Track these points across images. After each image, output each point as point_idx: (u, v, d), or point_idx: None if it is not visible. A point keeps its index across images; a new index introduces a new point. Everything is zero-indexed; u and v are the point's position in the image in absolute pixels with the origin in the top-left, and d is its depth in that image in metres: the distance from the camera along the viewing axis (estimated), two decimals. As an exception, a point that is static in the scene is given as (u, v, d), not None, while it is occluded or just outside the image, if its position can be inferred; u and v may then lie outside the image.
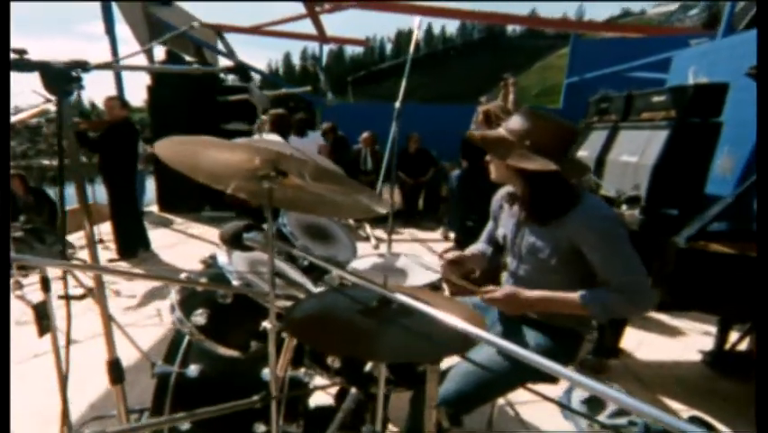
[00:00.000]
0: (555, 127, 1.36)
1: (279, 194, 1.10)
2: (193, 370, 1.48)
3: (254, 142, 0.88)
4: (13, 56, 0.76)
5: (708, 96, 3.10)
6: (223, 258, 1.34)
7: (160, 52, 6.87)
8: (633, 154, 3.50)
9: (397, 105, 2.69)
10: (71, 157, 0.93)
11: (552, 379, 1.65)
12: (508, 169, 1.42)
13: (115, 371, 1.03)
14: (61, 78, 0.81)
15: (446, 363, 1.20)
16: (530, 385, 1.10)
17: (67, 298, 1.17)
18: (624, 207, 2.68)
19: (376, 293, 0.97)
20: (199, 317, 1.26)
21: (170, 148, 0.98)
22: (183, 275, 1.38)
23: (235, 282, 1.27)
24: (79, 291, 3.65)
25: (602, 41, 7.52)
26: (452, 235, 5.50)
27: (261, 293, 1.18)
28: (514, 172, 1.42)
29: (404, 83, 2.71)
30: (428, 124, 6.70)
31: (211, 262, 1.39)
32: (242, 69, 1.14)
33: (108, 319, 0.97)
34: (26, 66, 0.77)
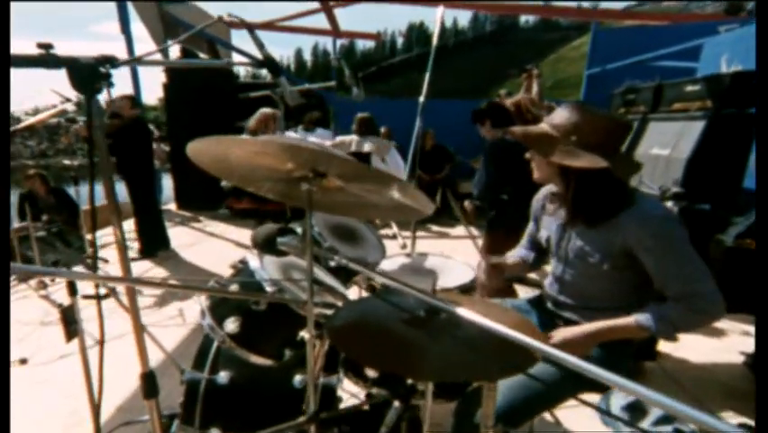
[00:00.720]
0: (605, 122, 1.27)
1: (317, 196, 1.03)
2: (223, 377, 1.43)
3: (291, 141, 0.81)
4: (39, 51, 0.70)
5: (746, 84, 2.94)
6: (254, 262, 1.28)
7: (174, 50, 6.87)
8: (664, 147, 3.35)
9: (422, 99, 2.62)
10: (101, 156, 0.87)
11: (604, 388, 1.57)
12: (552, 166, 1.33)
13: (149, 384, 0.98)
14: (90, 74, 0.75)
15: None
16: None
17: (97, 298, 1.12)
18: (669, 203, 2.56)
19: (419, 300, 0.89)
20: (231, 324, 1.21)
21: (202, 149, 0.91)
22: (212, 282, 1.32)
23: (269, 289, 1.20)
24: (102, 291, 3.74)
25: (624, 29, 7.27)
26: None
27: (299, 301, 1.11)
28: (558, 171, 1.33)
29: (428, 76, 2.63)
30: (441, 120, 6.54)
31: (242, 267, 1.33)
32: (272, 63, 1.07)
33: (140, 330, 0.91)
34: (54, 62, 0.71)
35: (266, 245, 1.12)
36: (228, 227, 6.10)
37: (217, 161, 0.94)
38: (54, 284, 3.92)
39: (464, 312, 0.78)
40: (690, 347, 2.84)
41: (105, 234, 5.51)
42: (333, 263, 1.71)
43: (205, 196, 6.67)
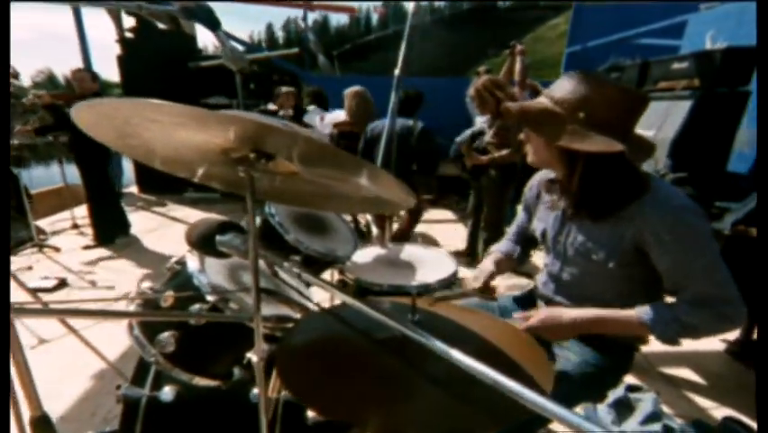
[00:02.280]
0: (618, 95, 1.05)
1: (265, 184, 0.80)
2: (167, 393, 1.20)
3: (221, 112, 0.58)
4: None
5: (738, 61, 2.80)
6: (193, 264, 1.04)
7: (130, 19, 6.31)
8: (649, 128, 3.22)
9: (397, 72, 2.37)
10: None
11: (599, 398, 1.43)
12: (552, 150, 1.13)
13: (44, 430, 0.74)
14: None
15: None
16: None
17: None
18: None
19: (398, 309, 0.69)
20: (166, 341, 0.98)
21: (97, 120, 0.66)
22: (146, 285, 1.08)
23: (210, 298, 0.98)
24: (52, 283, 3.41)
25: (605, 7, 7.09)
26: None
27: (242, 317, 0.89)
28: (561, 155, 1.12)
29: (403, 47, 2.38)
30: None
31: (179, 270, 1.10)
32: (205, 14, 0.81)
33: (25, 366, 0.68)
34: None
35: (202, 244, 0.88)
36: (194, 212, 5.75)
37: (125, 137, 0.70)
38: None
39: (452, 351, 0.58)
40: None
41: (58, 221, 5.11)
42: (298, 258, 1.50)
43: (169, 178, 6.24)
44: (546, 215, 1.33)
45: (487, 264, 1.44)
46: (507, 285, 2.32)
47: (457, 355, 0.57)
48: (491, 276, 1.38)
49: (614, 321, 1.10)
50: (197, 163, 0.82)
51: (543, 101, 1.13)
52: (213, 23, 0.85)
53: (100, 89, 4.29)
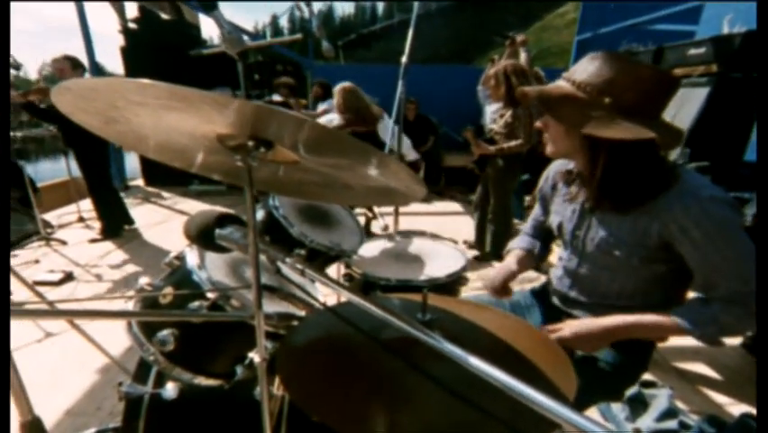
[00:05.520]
0: (648, 75, 0.97)
1: (264, 173, 0.75)
2: (170, 390, 1.17)
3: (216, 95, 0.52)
4: None
5: (758, 46, 2.69)
6: (193, 259, 1.00)
7: (133, 10, 6.23)
8: (664, 116, 3.11)
9: (404, 59, 2.30)
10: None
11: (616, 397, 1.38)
12: (573, 138, 1.05)
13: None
14: None
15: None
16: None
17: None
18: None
19: (405, 307, 0.64)
20: (165, 339, 0.93)
21: (81, 102, 0.61)
22: (143, 281, 1.03)
23: (210, 295, 0.93)
24: (58, 276, 3.39)
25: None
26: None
27: (242, 315, 0.84)
28: (583, 143, 1.04)
29: (410, 33, 2.31)
30: (424, 87, 6.11)
31: (178, 265, 1.05)
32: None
33: (14, 371, 0.64)
34: None
35: (201, 238, 0.83)
36: (199, 204, 5.73)
37: (111, 122, 0.64)
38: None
39: (463, 354, 0.53)
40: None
41: (64, 214, 5.10)
42: (303, 252, 1.45)
43: (174, 171, 6.21)
44: (563, 207, 1.27)
45: (508, 263, 1.38)
46: (517, 278, 2.21)
47: (469, 359, 0.52)
48: (513, 275, 1.33)
49: (649, 326, 1.05)
50: (192, 152, 0.77)
51: (563, 85, 1.06)
52: (209, 4, 0.80)
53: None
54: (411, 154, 4.11)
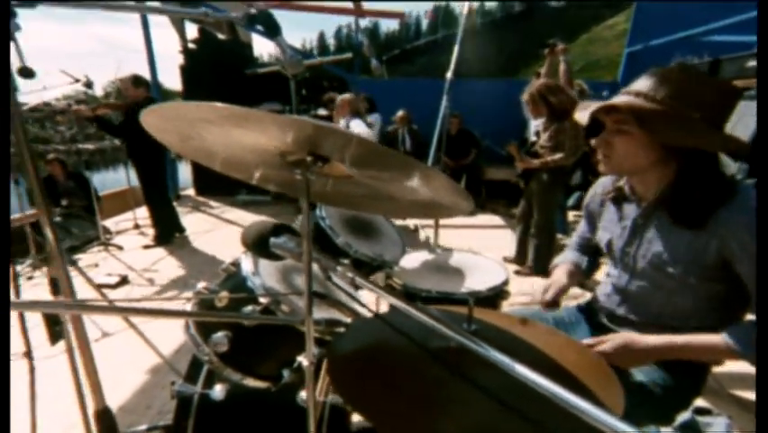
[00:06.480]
0: (725, 89, 0.99)
1: (317, 186, 0.80)
2: (218, 392, 1.23)
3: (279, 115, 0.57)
4: None
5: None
6: (248, 266, 1.06)
7: (193, 30, 6.68)
8: (721, 130, 2.96)
9: (449, 75, 2.34)
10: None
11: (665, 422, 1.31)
12: (650, 153, 1.04)
13: (106, 425, 0.77)
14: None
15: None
16: None
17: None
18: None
19: (452, 319, 0.66)
20: (220, 341, 1.00)
21: (162, 124, 0.68)
22: (200, 285, 1.11)
23: (263, 300, 0.99)
24: (114, 279, 3.63)
25: (671, 4, 6.65)
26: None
27: (293, 320, 0.89)
28: (660, 158, 1.04)
29: (456, 49, 2.35)
30: (467, 101, 6.09)
31: (234, 271, 1.12)
32: (266, 19, 0.83)
33: (92, 362, 0.71)
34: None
35: (256, 246, 0.89)
36: (245, 214, 5.97)
37: (187, 139, 0.72)
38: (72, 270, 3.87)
39: (513, 363, 0.54)
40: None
41: (122, 221, 5.45)
42: (347, 260, 1.50)
43: (222, 182, 6.51)
44: (612, 224, 1.25)
45: (559, 276, 1.37)
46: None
47: (519, 369, 0.53)
48: (564, 290, 1.32)
49: (696, 348, 1.02)
50: (255, 166, 0.83)
51: (633, 99, 1.03)
52: (274, 30, 0.87)
53: (148, 94, 4.35)
54: (357, 129, 4.05)
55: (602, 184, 1.34)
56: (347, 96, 3.83)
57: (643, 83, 1.04)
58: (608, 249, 1.28)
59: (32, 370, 1.20)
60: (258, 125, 0.61)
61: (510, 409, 0.63)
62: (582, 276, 1.43)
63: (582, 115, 1.13)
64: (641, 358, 1.06)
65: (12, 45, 0.57)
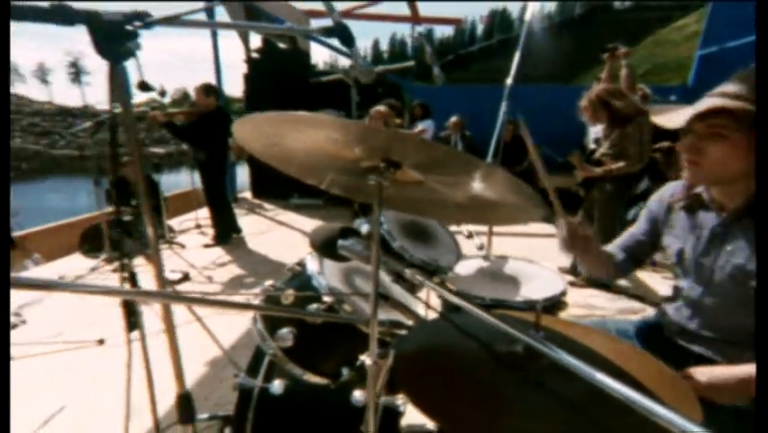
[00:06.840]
0: None
1: (388, 192, 0.82)
2: (277, 386, 1.29)
3: (357, 123, 0.61)
4: (49, 3, 0.56)
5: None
6: (313, 266, 1.11)
7: (256, 40, 7.03)
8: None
9: (509, 81, 2.31)
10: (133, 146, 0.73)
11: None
12: (746, 158, 0.96)
13: (185, 408, 0.84)
14: (115, 34, 0.59)
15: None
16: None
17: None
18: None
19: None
20: (285, 336, 1.05)
21: (250, 132, 0.74)
22: (268, 283, 1.17)
23: (327, 299, 1.03)
24: (177, 276, 3.85)
25: (746, 3, 6.16)
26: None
27: (358, 320, 0.92)
28: (752, 166, 0.96)
29: (517, 55, 2.32)
30: (524, 107, 5.93)
31: (299, 271, 1.17)
32: (343, 30, 0.87)
33: (176, 348, 0.77)
34: (68, 16, 0.56)
35: (324, 248, 0.93)
36: (298, 217, 6.16)
37: (270, 146, 0.77)
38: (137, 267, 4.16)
39: (589, 368, 0.53)
40: None
41: (184, 220, 5.78)
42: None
43: (277, 185, 6.79)
44: (684, 232, 1.19)
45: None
46: (617, 307, 2.08)
47: (593, 373, 0.52)
48: (588, 235, 1.23)
49: None
50: (327, 171, 0.87)
51: (735, 103, 0.95)
52: (349, 41, 0.91)
53: (217, 103, 4.62)
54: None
55: (671, 189, 1.27)
56: (382, 108, 3.90)
57: (737, 86, 0.97)
58: (678, 259, 1.21)
59: (146, 359, 1.30)
60: (338, 133, 0.65)
61: (579, 416, 0.62)
62: (612, 270, 1.34)
63: (667, 119, 1.08)
64: (737, 392, 0.97)
65: (133, 61, 0.64)
